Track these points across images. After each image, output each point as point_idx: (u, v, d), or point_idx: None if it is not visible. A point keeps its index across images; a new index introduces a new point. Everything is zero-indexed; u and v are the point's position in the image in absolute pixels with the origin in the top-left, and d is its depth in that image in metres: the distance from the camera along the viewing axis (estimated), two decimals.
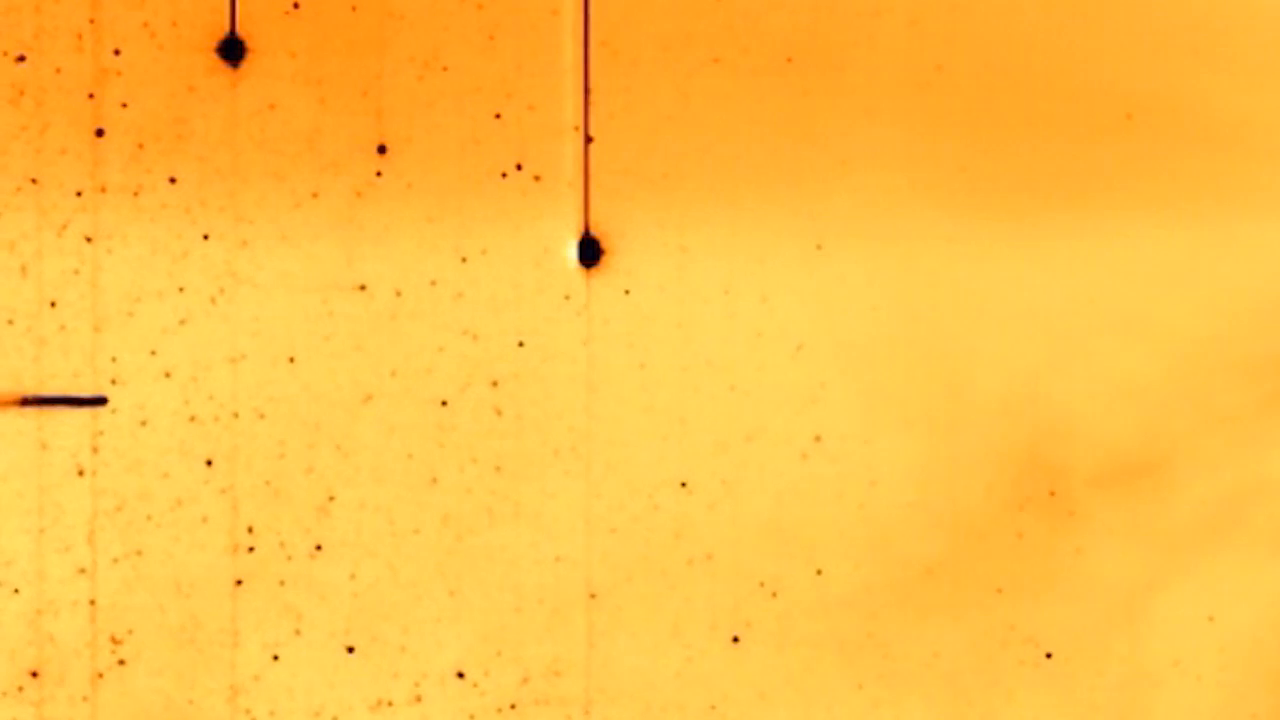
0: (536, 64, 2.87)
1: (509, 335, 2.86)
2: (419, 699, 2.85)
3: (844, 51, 2.96)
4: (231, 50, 2.77)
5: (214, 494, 2.77)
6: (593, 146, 2.88)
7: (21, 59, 2.72)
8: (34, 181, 2.72)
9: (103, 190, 2.74)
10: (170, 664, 2.77)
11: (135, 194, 2.75)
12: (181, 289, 2.76)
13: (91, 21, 2.74)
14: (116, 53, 2.74)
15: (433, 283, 2.83)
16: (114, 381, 2.73)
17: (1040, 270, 3.01)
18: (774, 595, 2.94)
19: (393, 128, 2.83)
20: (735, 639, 2.93)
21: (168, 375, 2.75)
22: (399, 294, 2.82)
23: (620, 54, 2.89)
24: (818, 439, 2.95)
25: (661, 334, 2.90)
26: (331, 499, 2.81)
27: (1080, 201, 3.01)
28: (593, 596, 2.89)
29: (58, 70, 2.73)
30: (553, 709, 2.88)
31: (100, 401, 2.72)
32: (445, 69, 2.84)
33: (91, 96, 2.74)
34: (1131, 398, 3.04)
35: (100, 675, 2.75)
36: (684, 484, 2.92)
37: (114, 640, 2.75)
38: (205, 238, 2.77)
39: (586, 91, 2.88)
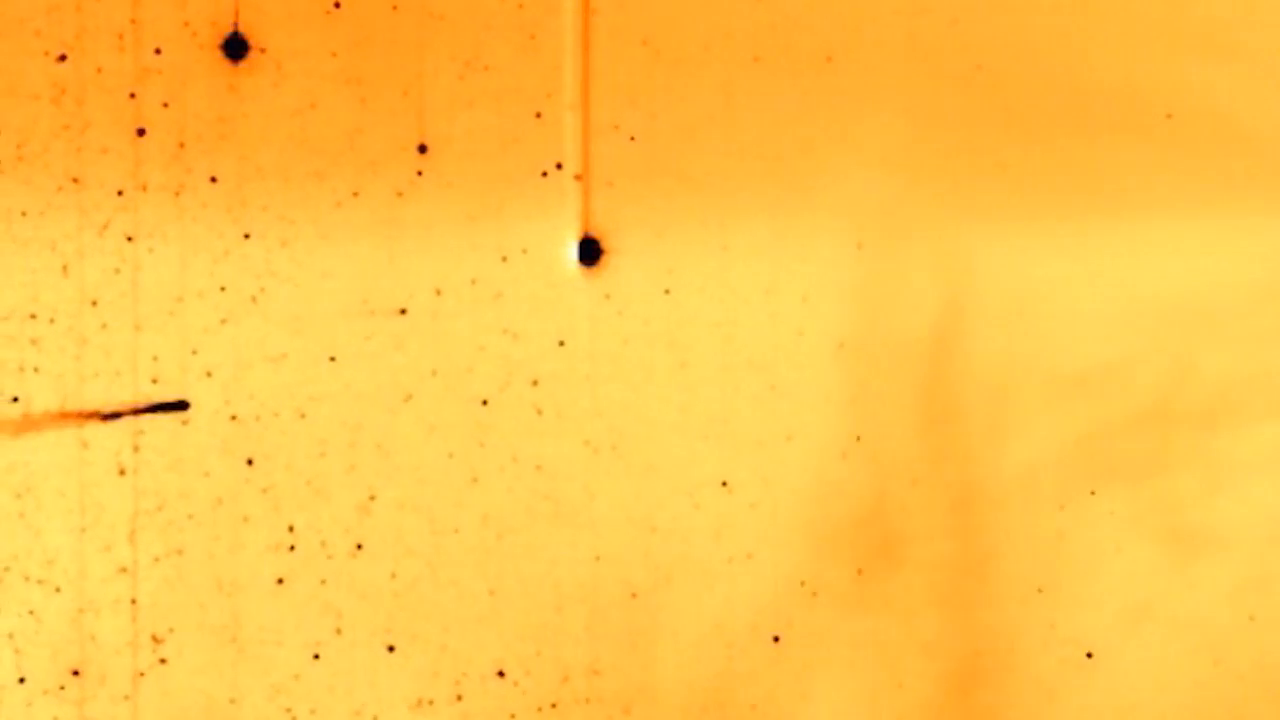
0: (577, 63, 2.83)
1: (549, 334, 2.82)
2: (460, 698, 2.81)
3: (884, 51, 2.92)
4: (236, 48, 2.73)
5: (255, 493, 2.74)
6: (634, 145, 2.84)
7: (63, 58, 2.69)
8: (75, 181, 2.68)
9: (144, 189, 2.71)
10: (211, 663, 2.73)
11: (176, 193, 2.72)
12: (223, 288, 2.73)
13: (133, 21, 2.70)
14: (158, 52, 2.71)
15: (473, 281, 2.79)
16: (155, 381, 2.70)
17: (1082, 270, 2.97)
18: (815, 595, 2.90)
19: (433, 127, 2.79)
20: (776, 638, 2.90)
21: (209, 374, 2.72)
22: (439, 293, 2.78)
23: (661, 53, 2.85)
24: (858, 438, 2.91)
25: (702, 333, 2.86)
26: (372, 498, 2.77)
27: (1122, 201, 2.98)
28: (633, 596, 2.85)
29: (99, 70, 2.69)
30: (593, 708, 2.85)
31: (182, 406, 2.69)
32: (486, 68, 2.80)
33: (133, 96, 2.70)
34: (1168, 399, 3.00)
35: (141, 674, 2.72)
36: (724, 483, 2.87)
37: (155, 639, 2.72)
38: (246, 237, 2.73)
39: (586, 88, 2.84)
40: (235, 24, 2.73)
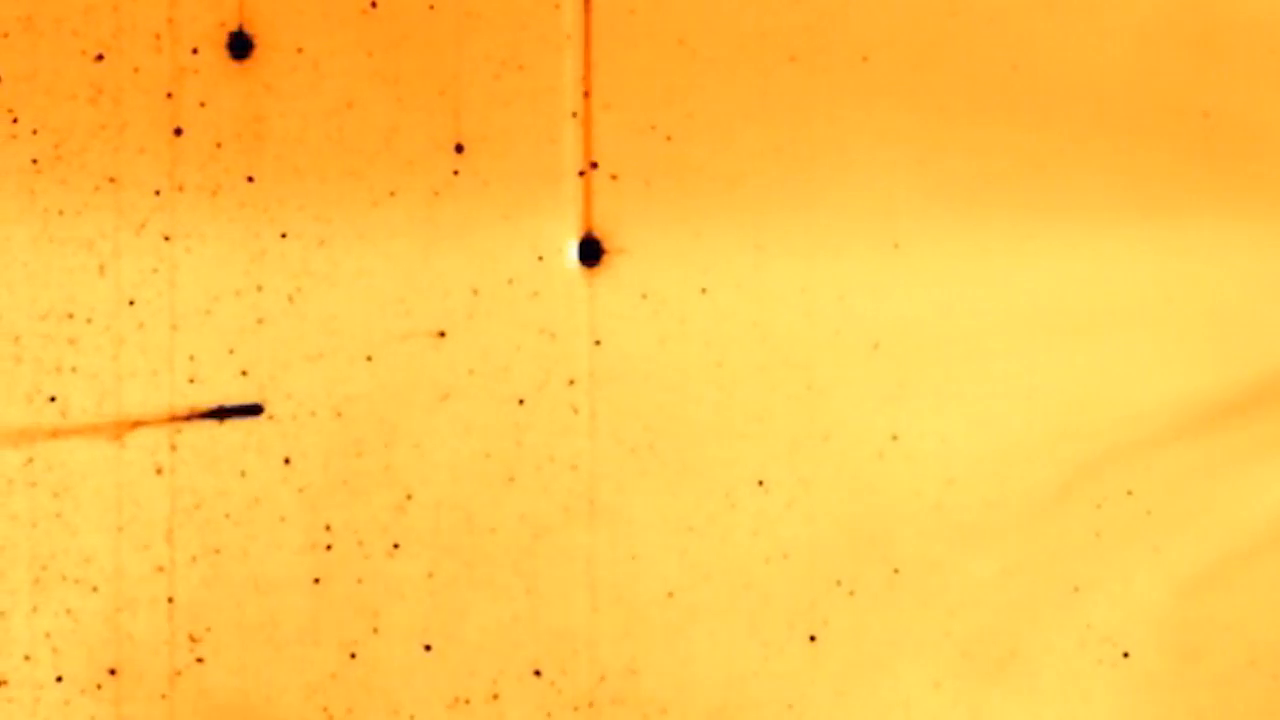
0: (612, 63, 2.79)
1: (585, 334, 2.77)
2: (496, 697, 2.76)
3: (920, 50, 2.87)
4: (240, 46, 2.69)
5: (292, 492, 2.69)
6: (669, 145, 2.79)
7: (100, 58, 2.64)
8: (112, 180, 2.65)
9: (181, 189, 2.66)
10: (248, 662, 2.69)
11: (213, 193, 2.67)
12: (259, 288, 2.68)
13: (170, 21, 2.66)
14: (194, 52, 2.66)
15: (510, 281, 2.74)
16: (192, 380, 2.66)
17: (1117, 270, 2.92)
18: (851, 594, 2.85)
19: (470, 127, 2.74)
20: (812, 638, 2.84)
21: (245, 374, 2.67)
22: (476, 292, 2.74)
23: (697, 53, 2.80)
24: (895, 438, 2.85)
25: (738, 333, 2.81)
26: (409, 497, 2.72)
27: (1158, 201, 2.92)
28: (670, 595, 2.80)
29: (136, 69, 2.65)
30: (630, 708, 2.80)
31: (256, 410, 2.65)
32: (522, 68, 2.75)
33: (170, 96, 2.66)
34: (1205, 397, 2.96)
35: (178, 673, 2.68)
36: (761, 482, 2.82)
37: (192, 638, 2.68)
38: (283, 236, 2.69)
39: (587, 77, 2.79)
40: (240, 22, 2.68)
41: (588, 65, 2.78)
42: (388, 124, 2.72)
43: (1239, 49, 2.96)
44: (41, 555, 2.64)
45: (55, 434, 2.63)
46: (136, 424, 2.65)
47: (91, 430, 2.64)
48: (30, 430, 2.63)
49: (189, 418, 2.65)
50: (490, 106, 2.75)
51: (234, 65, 2.68)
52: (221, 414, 2.66)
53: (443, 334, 2.73)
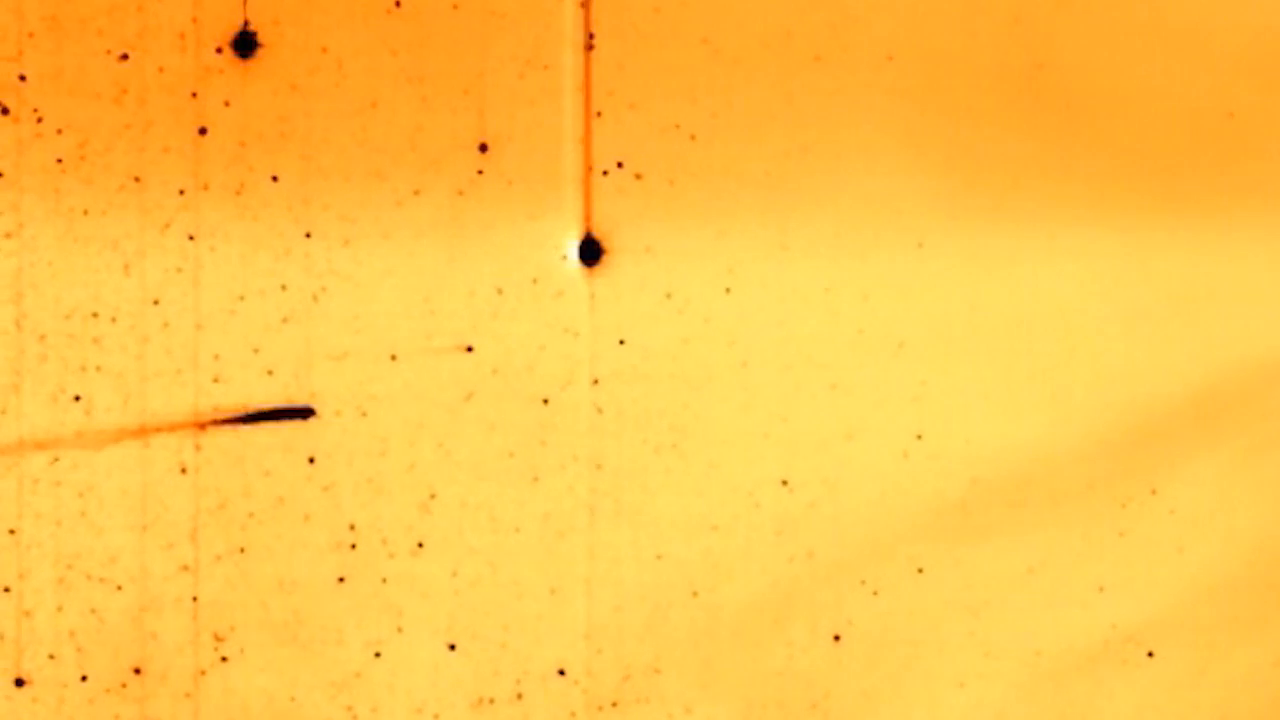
0: (636, 62, 2.75)
1: (610, 333, 2.74)
2: (520, 696, 2.74)
3: (945, 50, 2.83)
4: (245, 46, 2.66)
5: (316, 491, 2.67)
6: (695, 144, 2.76)
7: (124, 58, 2.62)
8: (137, 180, 2.62)
9: (205, 188, 2.63)
10: (272, 661, 2.66)
11: (238, 192, 2.64)
12: (284, 287, 2.66)
13: (194, 20, 2.63)
14: (219, 51, 2.63)
15: (534, 280, 2.71)
16: (216, 380, 2.63)
17: (1141, 269, 2.89)
18: (875, 594, 2.82)
19: (494, 126, 2.71)
20: (836, 637, 2.81)
21: (270, 373, 2.64)
22: (500, 292, 2.71)
23: (722, 52, 2.77)
24: (919, 437, 2.82)
25: (762, 332, 2.78)
26: (433, 497, 2.70)
27: (1184, 200, 2.89)
28: (694, 594, 2.77)
29: (160, 69, 2.62)
30: (654, 707, 2.77)
31: (308, 413, 2.63)
32: (546, 67, 2.72)
33: (194, 95, 2.63)
34: (1229, 397, 2.93)
35: (203, 672, 2.65)
36: (785, 482, 2.79)
37: (216, 637, 2.65)
38: (307, 236, 2.66)
39: (587, 78, 2.76)
40: (244, 21, 2.65)
41: (588, 66, 2.75)
42: (412, 123, 2.69)
43: (1264, 50, 2.92)
44: (66, 554, 2.61)
45: (80, 433, 2.61)
46: (177, 425, 2.63)
47: (117, 430, 2.62)
48: (55, 430, 2.60)
49: (235, 420, 2.63)
50: (515, 106, 2.72)
51: (249, 64, 2.65)
52: (271, 416, 2.63)
53: (470, 349, 2.70)
